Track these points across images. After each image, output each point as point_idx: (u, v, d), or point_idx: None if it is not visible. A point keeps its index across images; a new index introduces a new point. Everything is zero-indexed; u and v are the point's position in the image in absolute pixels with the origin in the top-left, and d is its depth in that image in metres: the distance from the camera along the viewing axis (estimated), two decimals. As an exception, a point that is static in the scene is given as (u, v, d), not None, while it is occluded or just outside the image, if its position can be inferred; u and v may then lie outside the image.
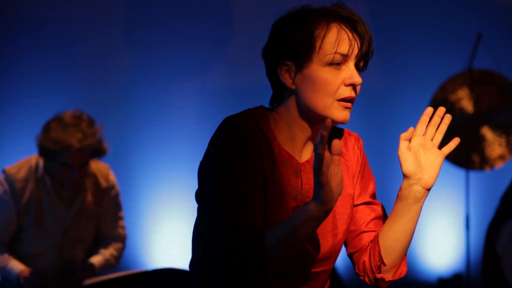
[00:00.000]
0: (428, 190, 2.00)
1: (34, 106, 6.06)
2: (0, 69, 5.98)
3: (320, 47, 1.94)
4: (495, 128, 5.48)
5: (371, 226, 2.12)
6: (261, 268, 1.86)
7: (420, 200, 1.99)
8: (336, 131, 2.13)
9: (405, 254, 2.07)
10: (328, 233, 2.05)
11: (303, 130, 2.02)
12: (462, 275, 6.04)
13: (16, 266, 3.58)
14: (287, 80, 1.98)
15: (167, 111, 6.08)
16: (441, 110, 2.02)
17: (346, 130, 2.15)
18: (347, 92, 1.96)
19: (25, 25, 6.35)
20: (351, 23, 1.96)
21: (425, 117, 2.02)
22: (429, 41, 6.26)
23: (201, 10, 6.37)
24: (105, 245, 3.79)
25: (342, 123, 1.99)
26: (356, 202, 2.13)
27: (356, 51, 1.96)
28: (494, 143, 5.47)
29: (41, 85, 6.26)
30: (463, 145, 5.45)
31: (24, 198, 3.60)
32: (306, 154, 2.05)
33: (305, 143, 2.04)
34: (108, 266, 3.76)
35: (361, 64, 2.00)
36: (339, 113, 1.97)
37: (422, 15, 6.28)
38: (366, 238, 2.10)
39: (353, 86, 1.97)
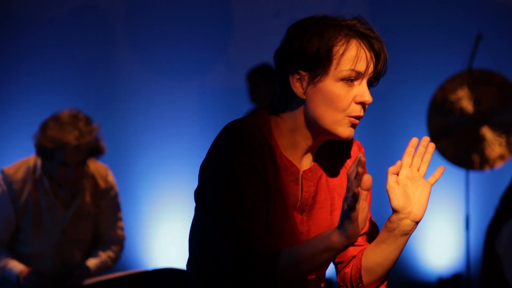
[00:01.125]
0: (417, 223, 1.99)
1: (33, 106, 6.06)
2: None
3: (338, 63, 1.93)
4: (495, 128, 5.48)
5: (360, 240, 2.11)
6: (270, 285, 1.86)
7: (409, 233, 1.98)
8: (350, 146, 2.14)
9: (386, 277, 2.07)
10: None
11: (306, 139, 2.01)
12: (462, 275, 6.04)
13: (16, 266, 3.58)
14: (298, 89, 1.96)
15: (167, 111, 6.08)
16: (426, 140, 1.99)
17: None
18: (357, 111, 1.97)
19: (23, 25, 6.35)
20: (370, 40, 1.96)
21: (410, 148, 1.98)
22: (429, 41, 6.26)
23: (201, 11, 6.37)
24: (104, 246, 3.79)
25: (345, 139, 1.99)
26: None
27: (371, 69, 1.97)
28: (494, 143, 5.46)
29: (40, 85, 6.26)
30: (463, 145, 5.45)
31: (22, 199, 3.60)
32: (306, 162, 2.05)
33: (306, 152, 2.03)
34: (104, 268, 3.76)
35: (373, 81, 2.00)
36: (346, 130, 1.97)
37: (422, 15, 6.28)
38: (352, 251, 2.09)
39: (363, 104, 1.98)
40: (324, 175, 2.07)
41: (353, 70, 1.94)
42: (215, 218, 1.92)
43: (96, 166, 3.77)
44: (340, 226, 1.81)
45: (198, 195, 2.03)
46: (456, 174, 5.98)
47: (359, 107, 1.97)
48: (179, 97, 6.08)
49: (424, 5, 6.28)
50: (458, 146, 5.45)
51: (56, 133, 3.53)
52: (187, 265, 2.09)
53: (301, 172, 2.04)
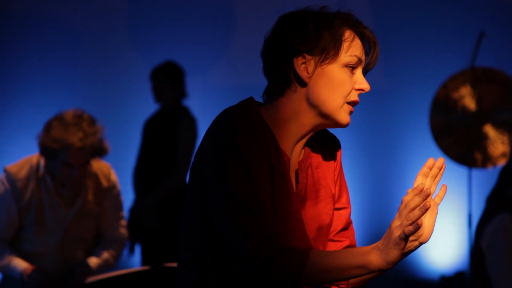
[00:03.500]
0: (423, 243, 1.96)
1: (36, 105, 6.07)
2: (2, 68, 5.98)
3: (348, 48, 1.98)
4: (497, 126, 5.47)
5: (338, 237, 2.11)
6: (291, 284, 1.83)
7: (411, 252, 1.93)
8: (321, 131, 2.13)
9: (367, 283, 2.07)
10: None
11: (300, 127, 2.01)
12: (465, 273, 6.04)
13: (19, 264, 3.58)
14: (303, 72, 1.97)
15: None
16: (441, 161, 1.95)
17: (327, 130, 2.16)
18: (355, 96, 2.00)
19: (27, 25, 6.36)
20: (365, 32, 2.02)
21: (426, 169, 1.94)
22: (432, 39, 6.25)
23: (203, 9, 6.37)
24: (106, 245, 3.79)
25: (344, 126, 2.02)
26: (336, 206, 2.12)
27: (365, 59, 2.03)
28: (496, 141, 5.46)
29: (43, 84, 6.26)
30: (465, 143, 5.44)
31: (25, 197, 3.60)
32: (296, 153, 2.04)
33: (297, 141, 2.03)
34: (106, 266, 3.76)
35: (364, 72, 2.05)
36: (346, 116, 2.00)
37: (425, 13, 6.28)
38: (333, 247, 2.09)
39: (361, 91, 2.01)
40: (310, 167, 2.07)
41: (358, 57, 1.99)
42: (226, 205, 1.86)
43: (98, 164, 3.77)
44: (384, 248, 1.81)
45: (196, 187, 1.96)
46: (459, 172, 5.98)
47: (356, 93, 2.01)
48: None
49: (426, 3, 6.27)
50: (461, 144, 5.45)
51: (60, 134, 3.52)
52: (182, 266, 2.01)
53: (295, 163, 2.03)
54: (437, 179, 1.95)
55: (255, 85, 5.95)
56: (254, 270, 1.84)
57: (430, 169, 1.94)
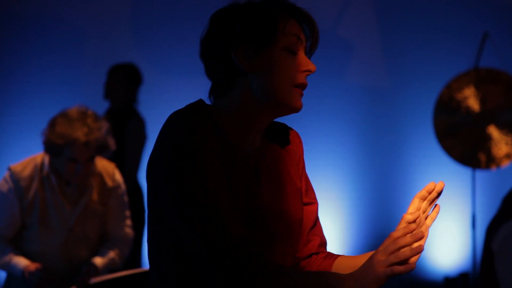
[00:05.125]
0: None
1: (40, 106, 6.08)
2: (7, 67, 6.00)
3: (283, 31, 1.90)
4: (501, 126, 5.47)
5: (310, 236, 2.04)
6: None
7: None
8: (278, 126, 2.06)
9: None
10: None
11: (253, 120, 1.93)
12: (468, 274, 6.03)
13: (20, 261, 3.58)
14: (243, 63, 1.90)
15: (173, 109, 6.09)
16: (441, 186, 1.89)
17: (285, 124, 2.08)
18: (303, 79, 1.92)
19: (31, 24, 6.37)
20: (302, 13, 1.94)
21: (425, 193, 1.88)
22: (435, 40, 6.26)
23: (208, 9, 6.37)
24: (111, 245, 3.79)
25: (297, 111, 1.94)
26: (304, 200, 2.06)
27: (307, 42, 1.96)
28: (500, 142, 5.46)
29: (47, 83, 6.27)
30: (469, 144, 5.44)
31: (28, 196, 3.61)
32: (254, 146, 1.96)
33: (254, 135, 1.95)
34: (112, 266, 3.76)
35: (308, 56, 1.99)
36: (296, 100, 1.92)
37: (428, 14, 6.28)
38: (303, 246, 2.03)
39: (308, 73, 1.93)
40: (273, 161, 1.99)
41: (296, 35, 1.91)
42: (183, 216, 1.77)
43: (103, 164, 3.78)
44: (361, 279, 1.76)
45: (153, 200, 1.86)
46: (463, 173, 5.98)
47: (303, 76, 1.93)
48: (186, 95, 6.08)
49: (430, 4, 6.27)
50: (465, 145, 5.45)
51: (65, 129, 3.53)
52: (153, 285, 1.90)
53: (254, 158, 1.94)
54: (433, 201, 1.90)
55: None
56: (223, 285, 1.76)
57: (429, 193, 1.88)
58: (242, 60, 1.91)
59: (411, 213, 1.82)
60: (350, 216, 5.95)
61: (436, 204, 1.90)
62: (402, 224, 1.80)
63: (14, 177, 3.60)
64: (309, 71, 1.93)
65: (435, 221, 1.88)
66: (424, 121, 6.02)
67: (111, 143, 3.67)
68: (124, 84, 5.40)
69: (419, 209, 1.87)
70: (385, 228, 6.14)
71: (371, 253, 1.84)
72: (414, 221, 1.82)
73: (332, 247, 6.00)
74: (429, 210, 1.89)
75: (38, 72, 6.24)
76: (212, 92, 1.98)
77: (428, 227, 1.87)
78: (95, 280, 3.50)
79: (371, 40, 6.20)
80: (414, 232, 1.77)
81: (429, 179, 6.16)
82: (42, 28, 6.32)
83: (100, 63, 6.11)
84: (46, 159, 3.63)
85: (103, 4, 6.35)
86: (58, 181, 3.64)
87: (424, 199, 1.88)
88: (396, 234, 1.77)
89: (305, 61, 1.93)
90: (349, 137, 6.13)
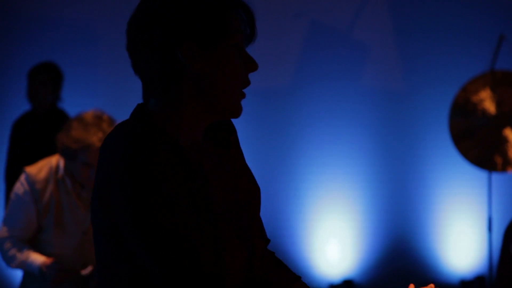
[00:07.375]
0: None
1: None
2: (21, 68, 6.02)
3: (232, 25, 1.70)
4: (518, 129, 5.45)
5: (260, 240, 1.87)
6: None
7: None
8: (223, 124, 1.86)
9: None
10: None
11: (198, 122, 1.74)
12: (485, 277, 6.00)
13: (37, 258, 3.59)
14: (190, 62, 1.68)
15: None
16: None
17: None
18: (248, 81, 1.74)
19: (46, 25, 6.38)
20: (242, 4, 1.74)
21: None
22: (451, 42, 6.23)
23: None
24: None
25: (237, 117, 1.75)
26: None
27: (249, 36, 1.76)
28: (516, 145, 5.44)
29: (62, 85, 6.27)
30: (485, 146, 5.42)
31: (44, 199, 3.62)
32: (198, 145, 1.77)
33: (198, 133, 1.76)
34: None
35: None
36: (240, 107, 1.74)
37: (444, 17, 6.26)
38: (258, 245, 1.86)
39: (251, 72, 1.75)
40: (219, 163, 1.80)
41: (242, 30, 1.72)
42: (150, 250, 1.60)
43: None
44: None
45: (106, 221, 1.66)
46: (479, 175, 5.96)
47: (247, 76, 1.74)
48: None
49: (446, 6, 6.25)
50: (481, 147, 5.43)
51: (80, 134, 3.54)
52: None
53: (199, 157, 1.75)
54: None
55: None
56: None
57: None
58: (188, 58, 1.68)
59: None
60: (365, 219, 5.93)
61: (431, 284, 1.81)
62: None
63: (29, 180, 3.61)
64: (254, 70, 1.75)
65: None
66: (440, 124, 6.00)
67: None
68: (49, 86, 5.31)
69: None
70: (401, 231, 6.12)
71: None
72: None
73: (348, 250, 5.99)
74: None
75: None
76: (146, 93, 1.75)
77: None
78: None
79: (387, 42, 6.19)
80: None
81: (445, 182, 6.14)
82: (55, 28, 6.34)
83: (115, 64, 6.12)
84: (61, 162, 3.64)
85: (117, 4, 6.37)
86: (73, 184, 3.64)
87: None
88: None
89: (249, 60, 1.74)
90: (364, 139, 6.12)
